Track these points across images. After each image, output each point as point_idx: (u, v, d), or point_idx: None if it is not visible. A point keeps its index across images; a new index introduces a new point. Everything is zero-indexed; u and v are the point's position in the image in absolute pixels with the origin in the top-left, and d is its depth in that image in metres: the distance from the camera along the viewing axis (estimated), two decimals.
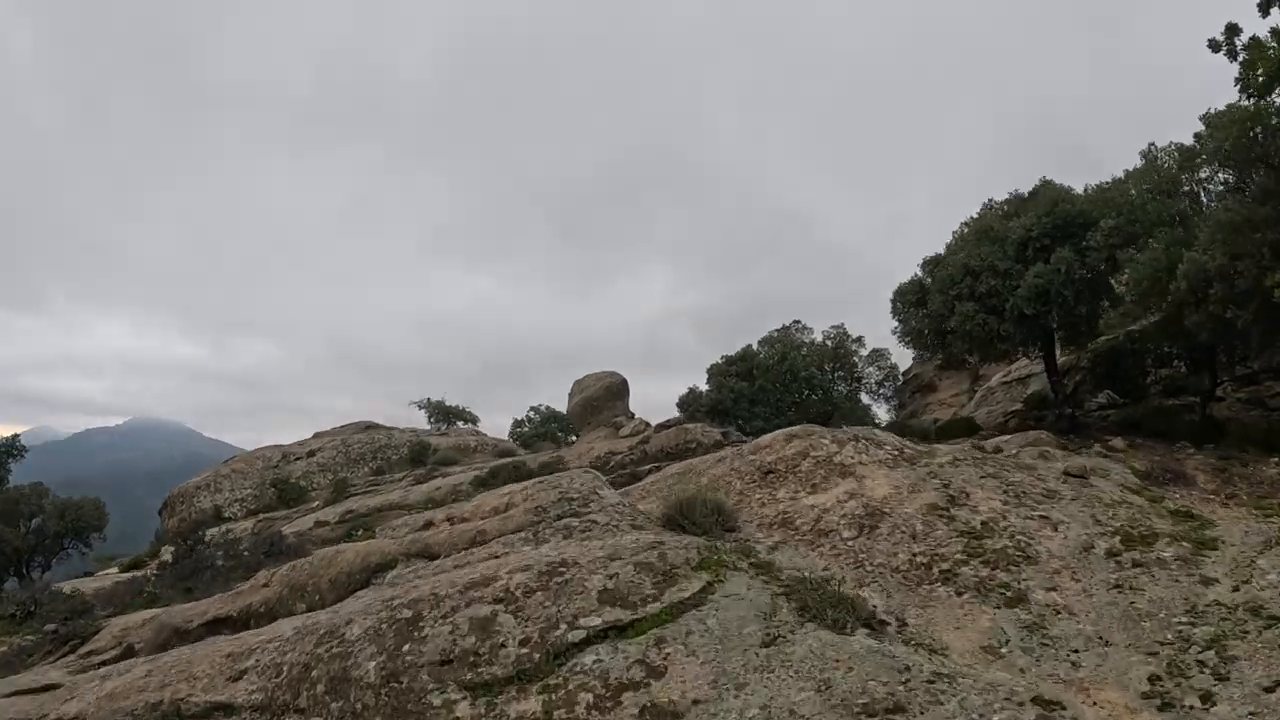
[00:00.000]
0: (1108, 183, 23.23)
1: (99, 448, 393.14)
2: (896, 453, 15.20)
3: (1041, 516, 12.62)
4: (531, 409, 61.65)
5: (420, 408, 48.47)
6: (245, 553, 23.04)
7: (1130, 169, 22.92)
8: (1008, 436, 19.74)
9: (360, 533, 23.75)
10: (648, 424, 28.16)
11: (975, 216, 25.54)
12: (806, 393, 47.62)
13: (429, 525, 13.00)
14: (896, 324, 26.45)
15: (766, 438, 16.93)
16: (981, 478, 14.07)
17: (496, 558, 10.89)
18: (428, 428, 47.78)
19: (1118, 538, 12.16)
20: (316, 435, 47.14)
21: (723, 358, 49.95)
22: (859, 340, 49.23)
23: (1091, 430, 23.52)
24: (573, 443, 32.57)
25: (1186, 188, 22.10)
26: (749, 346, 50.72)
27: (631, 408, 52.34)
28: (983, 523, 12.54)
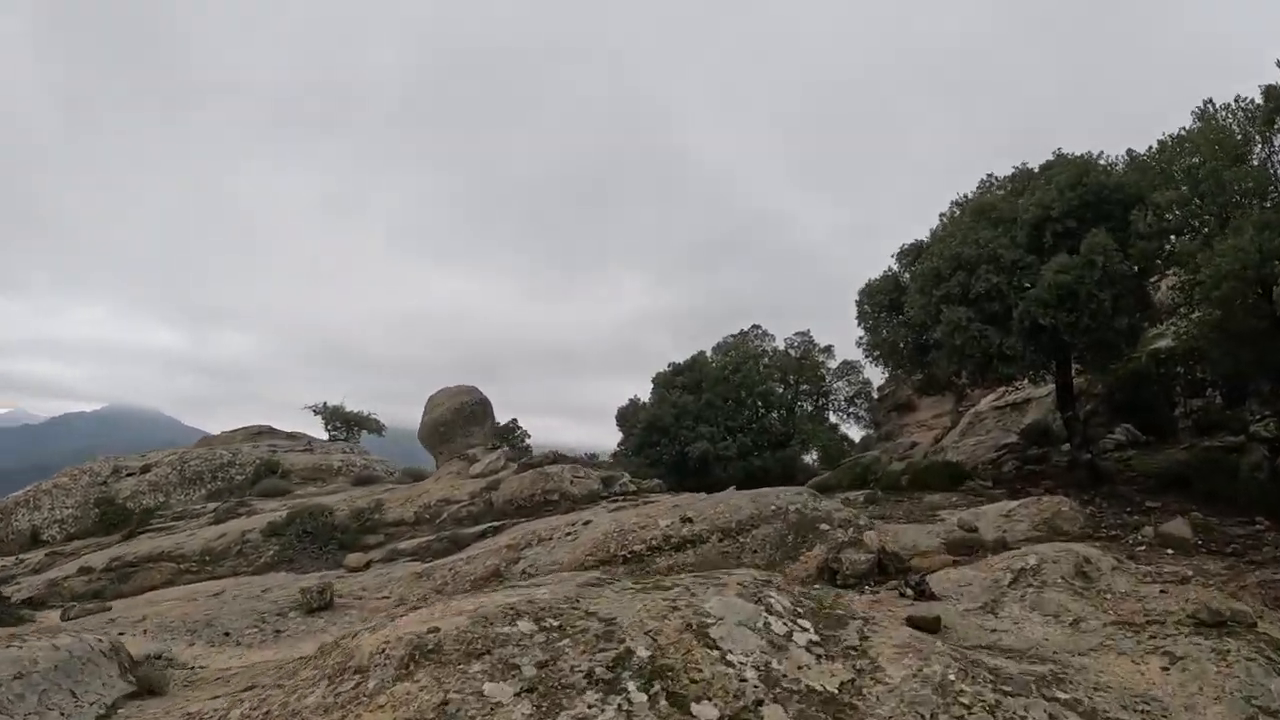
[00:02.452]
0: (1152, 150, 16.86)
1: (76, 432, 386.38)
2: None
3: None
4: None
5: (316, 413, 41.74)
6: None
7: (1182, 130, 16.56)
8: (1011, 505, 13.36)
9: (112, 587, 17.49)
10: (512, 459, 21.65)
11: (970, 195, 19.11)
12: (762, 410, 41.14)
13: None
14: (863, 334, 20.03)
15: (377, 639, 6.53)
16: None
17: None
18: (325, 436, 41.26)
19: None
20: (203, 441, 41.07)
21: (670, 365, 43.39)
22: (827, 350, 42.83)
23: (1117, 484, 17.23)
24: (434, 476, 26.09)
25: (1257, 157, 15.87)
26: (701, 353, 44.16)
27: (598, 417, 45.48)
28: None
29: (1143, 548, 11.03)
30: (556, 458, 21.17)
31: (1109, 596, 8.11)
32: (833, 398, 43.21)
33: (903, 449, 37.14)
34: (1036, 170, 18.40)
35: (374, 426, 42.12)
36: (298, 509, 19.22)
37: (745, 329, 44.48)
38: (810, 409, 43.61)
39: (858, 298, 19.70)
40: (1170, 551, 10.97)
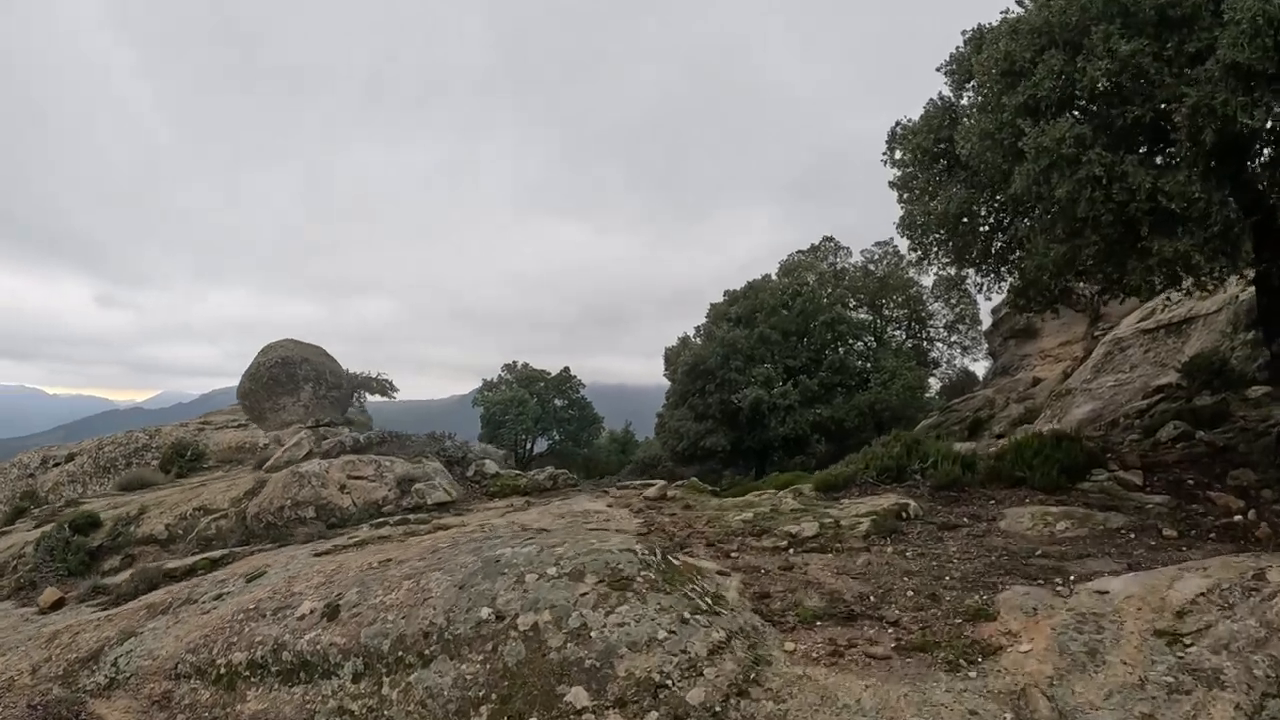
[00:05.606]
0: None
1: (225, 406, 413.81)
2: None
3: None
4: (505, 368, 48.25)
5: None
6: None
7: None
8: (1188, 591, 5.21)
9: None
10: (326, 438, 14.30)
11: None
12: (835, 345, 32.53)
13: None
14: (902, 209, 11.73)
15: None
16: None
17: None
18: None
19: None
20: (202, 417, 36.01)
21: (725, 294, 35.16)
22: (920, 264, 34.02)
23: None
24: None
25: None
26: (765, 277, 35.67)
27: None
28: None
29: None
30: (384, 438, 13.70)
31: None
32: (929, 323, 34.35)
33: (1021, 388, 28.79)
34: None
35: (378, 388, 35.56)
36: (61, 520, 14.04)
37: (815, 243, 35.76)
38: (904, 339, 34.84)
39: (887, 141, 11.37)
40: None
